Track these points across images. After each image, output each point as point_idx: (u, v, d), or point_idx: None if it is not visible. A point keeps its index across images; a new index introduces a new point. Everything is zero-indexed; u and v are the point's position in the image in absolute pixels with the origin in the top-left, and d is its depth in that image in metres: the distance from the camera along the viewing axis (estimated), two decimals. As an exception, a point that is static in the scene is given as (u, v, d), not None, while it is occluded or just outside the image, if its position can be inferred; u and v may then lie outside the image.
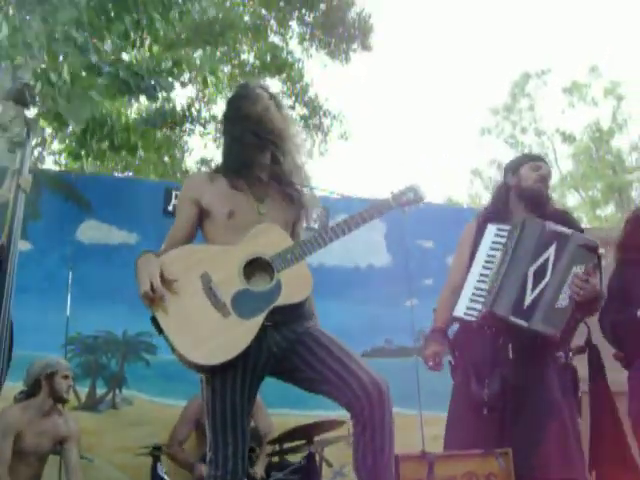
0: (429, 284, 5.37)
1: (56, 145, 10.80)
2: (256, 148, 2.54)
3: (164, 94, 6.84)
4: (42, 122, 8.38)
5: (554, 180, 23.04)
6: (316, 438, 4.22)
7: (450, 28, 44.73)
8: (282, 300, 2.33)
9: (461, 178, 34.88)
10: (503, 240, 3.16)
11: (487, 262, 3.16)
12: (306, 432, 4.21)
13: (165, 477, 4.20)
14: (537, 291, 3.03)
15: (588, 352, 3.59)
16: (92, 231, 5.35)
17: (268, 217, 2.50)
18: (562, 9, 39.11)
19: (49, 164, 12.22)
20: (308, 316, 2.49)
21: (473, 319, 3.06)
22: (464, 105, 41.35)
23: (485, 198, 23.40)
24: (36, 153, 10.83)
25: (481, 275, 3.15)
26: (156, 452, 4.32)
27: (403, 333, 5.04)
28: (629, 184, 21.74)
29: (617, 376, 3.94)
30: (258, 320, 2.30)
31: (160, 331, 2.34)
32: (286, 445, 4.39)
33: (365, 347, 5.37)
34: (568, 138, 22.58)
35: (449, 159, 41.03)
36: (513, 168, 3.40)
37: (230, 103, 2.70)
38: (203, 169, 12.36)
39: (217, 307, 2.32)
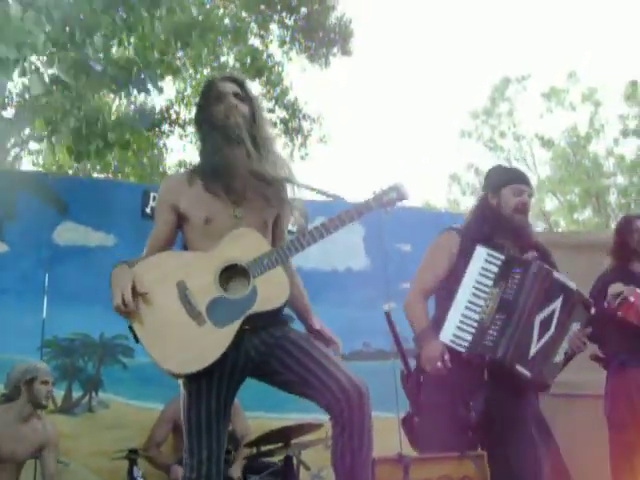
0: (407, 288, 5.37)
1: (34, 146, 10.74)
2: (225, 148, 2.48)
3: (154, 87, 6.79)
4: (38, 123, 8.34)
5: (533, 184, 23.22)
6: (294, 441, 4.22)
7: (430, 33, 44.98)
8: (257, 307, 2.29)
9: (440, 182, 34.99)
10: (495, 269, 3.03)
11: (477, 289, 3.02)
12: (283, 435, 4.21)
13: (141, 481, 4.18)
14: (542, 343, 2.96)
15: None
16: (69, 233, 5.30)
17: (245, 221, 2.45)
18: (543, 15, 39.46)
19: (27, 165, 12.16)
20: (286, 320, 2.48)
21: (462, 349, 2.94)
22: (444, 109, 41.59)
23: (463, 204, 23.54)
24: (13, 154, 10.78)
25: (470, 303, 3.00)
26: (132, 455, 4.29)
27: (381, 336, 5.03)
28: (606, 189, 21.95)
29: (592, 377, 4.02)
30: (233, 328, 2.27)
31: (137, 339, 2.31)
32: (263, 448, 4.39)
33: (343, 350, 5.38)
34: (546, 143, 22.76)
35: (428, 163, 41.20)
36: (494, 187, 3.27)
37: (197, 104, 2.68)
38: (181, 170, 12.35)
39: (192, 315, 2.28)
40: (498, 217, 3.18)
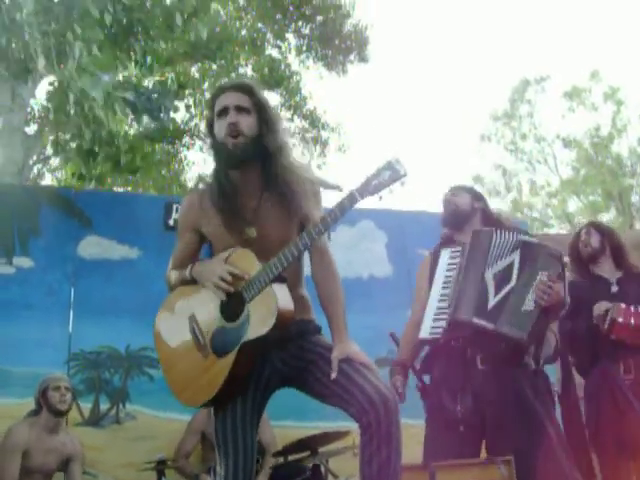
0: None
1: (56, 162, 10.84)
2: (229, 171, 2.40)
3: (166, 115, 6.86)
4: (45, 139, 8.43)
5: (554, 186, 23.08)
6: (321, 449, 4.22)
7: (448, 36, 44.83)
8: (250, 334, 2.21)
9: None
10: (457, 260, 3.21)
11: (445, 283, 3.19)
12: (311, 443, 4.20)
13: (169, 492, 4.21)
14: (502, 294, 3.05)
15: (560, 361, 3.72)
16: (93, 247, 5.36)
17: (261, 238, 2.37)
18: (562, 15, 39.24)
19: (49, 180, 12.28)
20: (313, 330, 2.44)
21: (438, 336, 3.07)
22: (463, 112, 41.38)
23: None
24: (36, 170, 10.90)
25: (441, 295, 3.16)
26: (160, 467, 4.32)
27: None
28: (629, 189, 21.74)
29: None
30: (230, 358, 2.23)
31: None
32: (291, 457, 4.39)
33: (369, 358, 5.36)
34: (569, 143, 22.59)
35: (449, 167, 41.03)
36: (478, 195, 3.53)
37: (204, 116, 2.64)
38: (201, 186, 12.39)
39: (199, 348, 2.32)
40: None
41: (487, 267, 3.09)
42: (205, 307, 2.34)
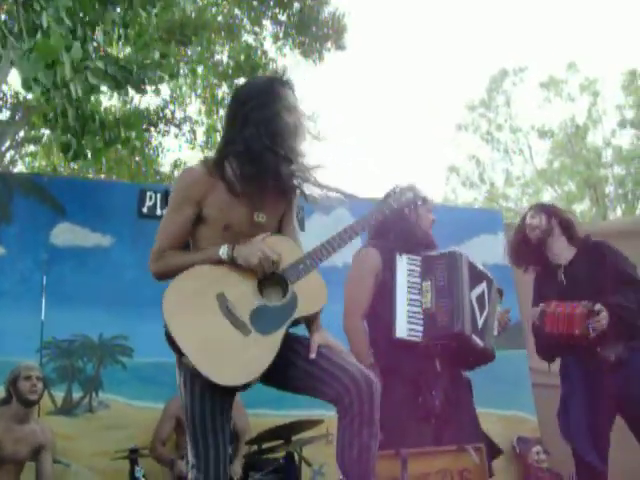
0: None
1: (28, 148, 10.72)
2: (270, 158, 2.39)
3: (152, 88, 6.75)
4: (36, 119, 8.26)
5: (530, 176, 23.26)
6: (294, 437, 4.23)
7: (426, 25, 44.92)
8: (300, 312, 2.33)
9: (436, 176, 34.93)
10: (417, 268, 3.38)
11: (410, 288, 3.33)
12: (284, 432, 4.21)
13: (143, 480, 4.19)
14: (483, 317, 3.34)
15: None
16: (66, 234, 5.31)
17: (265, 225, 2.43)
18: (540, 6, 39.41)
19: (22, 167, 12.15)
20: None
21: (417, 339, 3.20)
22: (440, 102, 41.52)
23: (461, 196, 23.56)
24: (8, 156, 10.78)
25: (409, 300, 3.30)
26: (133, 455, 4.31)
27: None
28: (604, 179, 21.95)
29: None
30: (279, 334, 2.28)
31: (180, 353, 2.26)
32: (265, 445, 4.40)
33: (344, 345, 5.38)
34: (544, 134, 22.74)
35: (425, 156, 41.17)
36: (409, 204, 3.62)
37: (249, 98, 2.46)
38: (176, 173, 12.33)
39: (237, 326, 2.27)
40: (414, 230, 3.49)
41: (470, 289, 3.33)
42: (237, 287, 2.33)
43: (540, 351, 4.00)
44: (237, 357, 2.24)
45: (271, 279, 2.37)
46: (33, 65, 4.57)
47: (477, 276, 3.41)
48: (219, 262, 2.34)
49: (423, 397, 3.14)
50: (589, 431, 3.64)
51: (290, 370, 2.33)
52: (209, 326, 2.26)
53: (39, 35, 4.84)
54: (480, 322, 3.31)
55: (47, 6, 4.88)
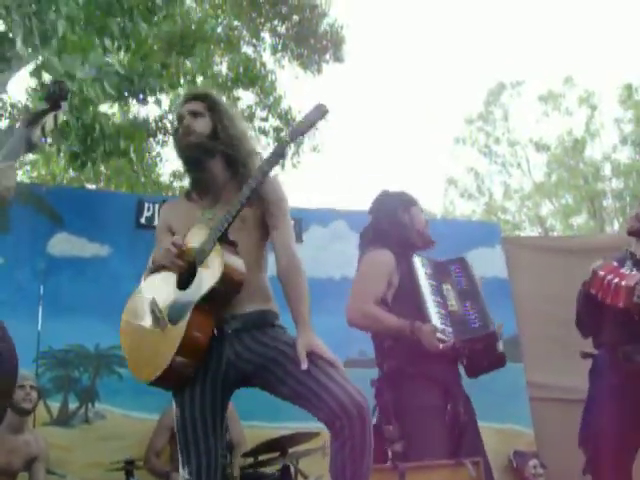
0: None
1: (29, 156, 10.71)
2: (190, 169, 2.61)
3: (153, 98, 6.78)
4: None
5: (528, 189, 23.30)
6: (290, 450, 4.22)
7: (424, 38, 45.10)
8: (201, 291, 2.29)
9: (435, 188, 35.00)
10: (430, 271, 3.42)
11: (433, 290, 3.33)
12: (280, 444, 4.20)
13: (138, 492, 4.17)
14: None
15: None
16: (63, 244, 5.30)
17: (214, 222, 2.44)
18: (538, 21, 39.57)
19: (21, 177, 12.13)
20: (270, 321, 2.43)
21: (450, 340, 3.10)
22: (438, 114, 41.62)
23: (460, 207, 23.60)
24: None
25: (436, 302, 3.28)
26: (129, 467, 4.29)
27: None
28: (601, 193, 21.99)
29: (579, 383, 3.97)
30: (185, 319, 2.28)
31: None
32: (260, 457, 4.38)
33: (340, 358, 5.36)
34: (542, 147, 22.80)
35: (423, 169, 41.22)
36: (406, 205, 3.59)
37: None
38: (175, 183, 12.37)
39: (157, 325, 2.36)
40: (410, 232, 3.49)
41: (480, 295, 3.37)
42: (165, 287, 2.41)
43: (579, 319, 3.80)
44: (155, 353, 2.33)
45: (192, 270, 2.38)
46: (72, 61, 4.60)
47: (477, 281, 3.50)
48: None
49: (452, 404, 3.08)
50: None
51: (281, 388, 2.28)
52: (140, 332, 2.43)
53: (54, 42, 4.86)
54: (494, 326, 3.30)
55: (60, 17, 4.90)
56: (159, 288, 2.44)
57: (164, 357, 2.28)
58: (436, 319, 3.16)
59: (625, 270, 3.47)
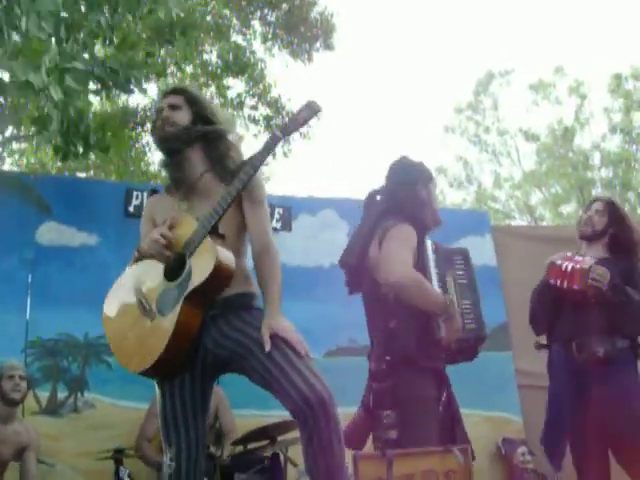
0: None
1: (16, 146, 10.66)
2: (167, 158, 2.63)
3: (138, 88, 6.73)
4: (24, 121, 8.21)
5: (517, 178, 23.34)
6: (280, 438, 4.22)
7: (415, 27, 45.01)
8: (193, 283, 2.30)
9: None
10: (436, 257, 3.21)
11: (437, 277, 3.19)
12: (269, 432, 4.20)
13: (128, 481, 4.17)
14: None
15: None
16: (52, 233, 5.28)
17: (193, 214, 2.48)
18: (528, 10, 39.55)
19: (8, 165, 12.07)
20: (247, 304, 2.46)
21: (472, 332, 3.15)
22: (428, 103, 41.56)
23: (450, 196, 23.62)
24: (-6, 154, 10.70)
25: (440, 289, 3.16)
26: (118, 455, 4.29)
27: (366, 332, 5.03)
28: (591, 182, 22.04)
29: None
30: (176, 311, 2.30)
31: None
32: (250, 445, 4.38)
33: (330, 346, 5.38)
34: (531, 137, 22.82)
35: (413, 157, 41.15)
36: (425, 180, 3.36)
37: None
38: (164, 172, 12.30)
39: (146, 315, 2.37)
40: (427, 211, 3.27)
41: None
42: (151, 276, 2.42)
43: (533, 316, 3.97)
44: (143, 343, 2.34)
45: (180, 261, 2.38)
46: (24, 67, 4.54)
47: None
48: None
49: (447, 394, 3.06)
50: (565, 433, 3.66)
51: (253, 376, 2.31)
52: (127, 322, 2.43)
53: (18, 38, 4.80)
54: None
55: (30, 10, 4.82)
56: (145, 276, 2.45)
57: (153, 349, 2.29)
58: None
59: (579, 257, 3.69)
